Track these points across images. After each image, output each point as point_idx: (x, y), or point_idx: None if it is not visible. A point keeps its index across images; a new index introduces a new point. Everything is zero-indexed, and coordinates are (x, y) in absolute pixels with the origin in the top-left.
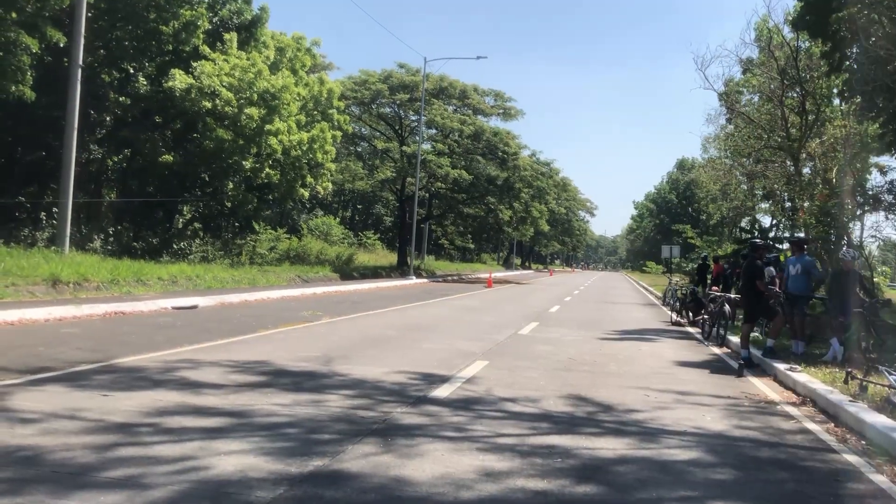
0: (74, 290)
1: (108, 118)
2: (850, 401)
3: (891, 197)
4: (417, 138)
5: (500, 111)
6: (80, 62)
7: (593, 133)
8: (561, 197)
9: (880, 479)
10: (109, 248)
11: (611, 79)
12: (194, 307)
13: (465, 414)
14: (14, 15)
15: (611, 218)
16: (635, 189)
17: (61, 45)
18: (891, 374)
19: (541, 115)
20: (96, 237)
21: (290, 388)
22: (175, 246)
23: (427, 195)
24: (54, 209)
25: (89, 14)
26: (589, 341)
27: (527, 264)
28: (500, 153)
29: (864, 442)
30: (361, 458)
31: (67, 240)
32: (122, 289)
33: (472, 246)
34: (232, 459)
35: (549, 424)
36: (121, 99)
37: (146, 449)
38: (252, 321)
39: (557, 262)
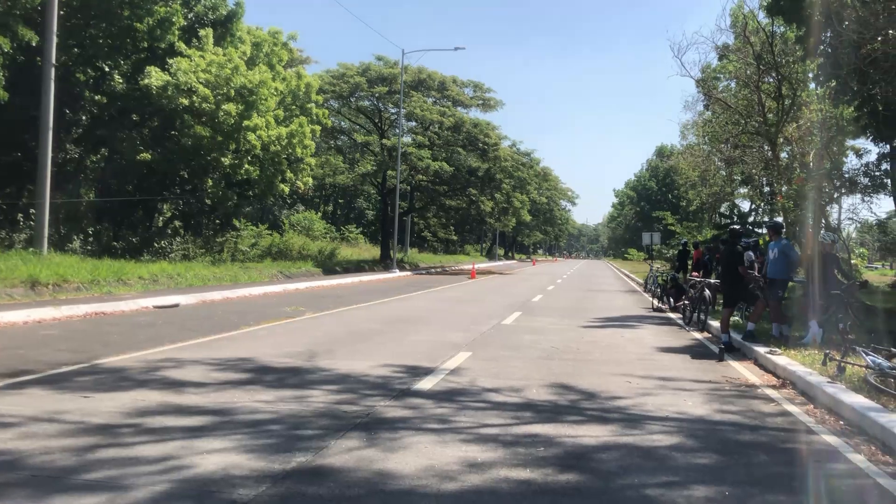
0: (54, 292)
1: (84, 117)
2: (829, 382)
3: (867, 179)
4: (397, 131)
5: (480, 102)
6: (54, 61)
7: (573, 123)
8: (542, 187)
9: (858, 459)
10: (89, 248)
11: (590, 68)
12: (176, 306)
13: (449, 405)
14: None
15: (592, 206)
16: (616, 177)
17: (34, 45)
18: (868, 354)
19: (520, 105)
20: (75, 237)
21: (273, 384)
22: (155, 244)
23: (409, 188)
24: (31, 210)
25: (62, 12)
26: (572, 329)
27: (510, 255)
28: (481, 144)
29: (842, 422)
30: (345, 453)
31: (46, 241)
32: (102, 289)
33: (454, 238)
34: (214, 458)
35: (532, 413)
36: (97, 97)
37: (128, 450)
38: (234, 318)
39: (540, 251)
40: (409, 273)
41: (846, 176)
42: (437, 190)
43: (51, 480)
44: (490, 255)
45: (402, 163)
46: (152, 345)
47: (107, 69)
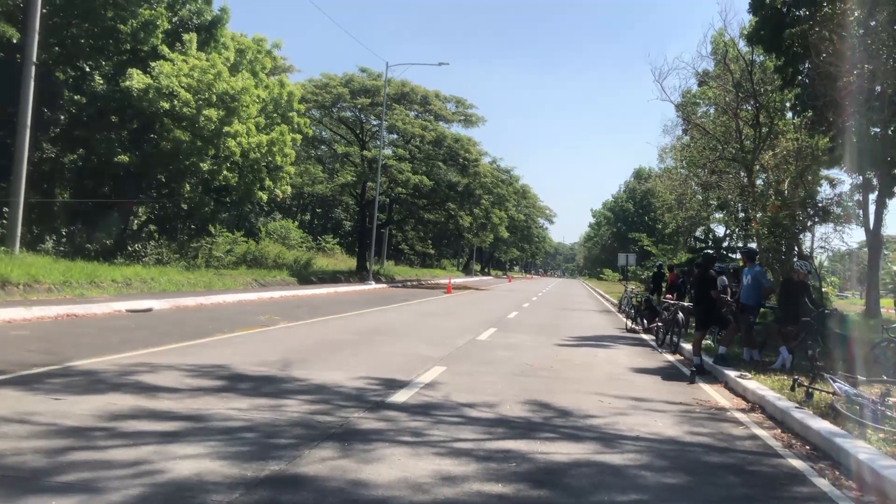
0: (25, 292)
1: (62, 117)
2: (797, 407)
3: (839, 209)
4: (378, 143)
5: (462, 118)
6: (35, 59)
7: (553, 141)
8: (521, 204)
9: (822, 483)
10: (62, 249)
11: (571, 89)
12: (149, 310)
13: (424, 419)
14: None
15: (569, 225)
16: (593, 197)
17: (14, 42)
18: (835, 381)
19: (502, 122)
20: (48, 238)
21: (247, 392)
22: (130, 248)
23: (388, 200)
24: (5, 209)
25: (44, 10)
26: (546, 347)
27: (486, 270)
28: (461, 159)
29: (808, 447)
30: (319, 463)
31: (18, 240)
32: (74, 291)
33: (432, 251)
34: (188, 463)
35: (505, 429)
36: (76, 97)
37: (100, 453)
38: (209, 325)
39: (516, 268)
40: (384, 285)
41: (819, 205)
42: (416, 203)
43: (23, 481)
44: (466, 271)
45: (382, 175)
46: (125, 349)
47: (88, 69)
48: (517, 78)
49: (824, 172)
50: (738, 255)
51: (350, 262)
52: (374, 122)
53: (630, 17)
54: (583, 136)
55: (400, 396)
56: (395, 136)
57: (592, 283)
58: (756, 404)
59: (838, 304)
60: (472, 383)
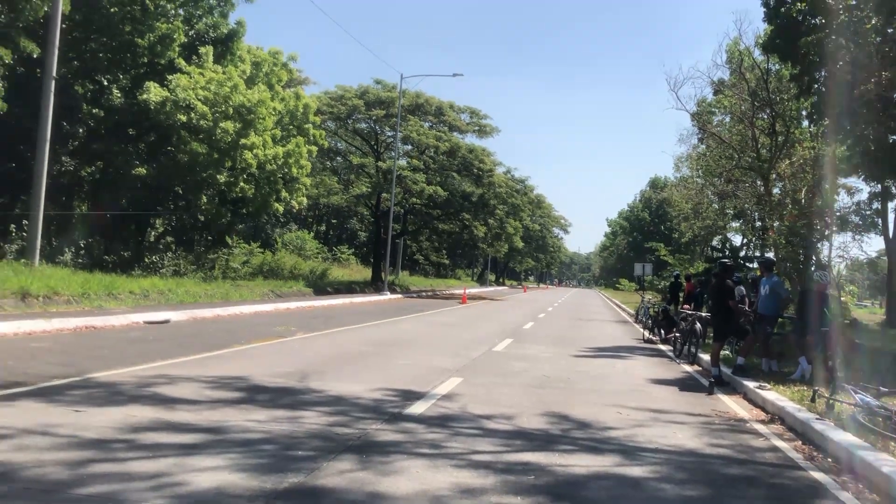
0: (44, 304)
1: (81, 130)
2: (818, 419)
3: (857, 218)
4: (393, 154)
5: (476, 128)
6: (54, 73)
7: (568, 151)
8: (535, 214)
9: (846, 497)
10: (80, 261)
11: (587, 98)
12: (166, 322)
13: (441, 431)
14: None
15: (585, 235)
16: (609, 207)
17: (35, 56)
18: (856, 392)
19: (516, 132)
20: (67, 250)
21: (265, 404)
22: (147, 259)
23: (402, 211)
24: (24, 221)
25: (64, 25)
26: (563, 358)
27: (501, 280)
28: (476, 170)
29: (830, 459)
30: (337, 475)
31: (38, 252)
32: (92, 303)
33: (446, 262)
34: (207, 476)
35: (524, 441)
36: (94, 111)
37: (121, 465)
38: (226, 336)
39: (531, 278)
40: (399, 296)
41: (837, 214)
42: (430, 213)
43: (45, 494)
44: (481, 281)
45: (397, 186)
46: (144, 360)
47: (106, 83)
48: (531, 88)
49: (842, 181)
50: (756, 265)
51: (365, 273)
52: (389, 134)
53: (644, 27)
54: (598, 145)
55: (417, 408)
56: (410, 147)
57: (608, 293)
58: (776, 415)
59: (858, 313)
60: (488, 395)
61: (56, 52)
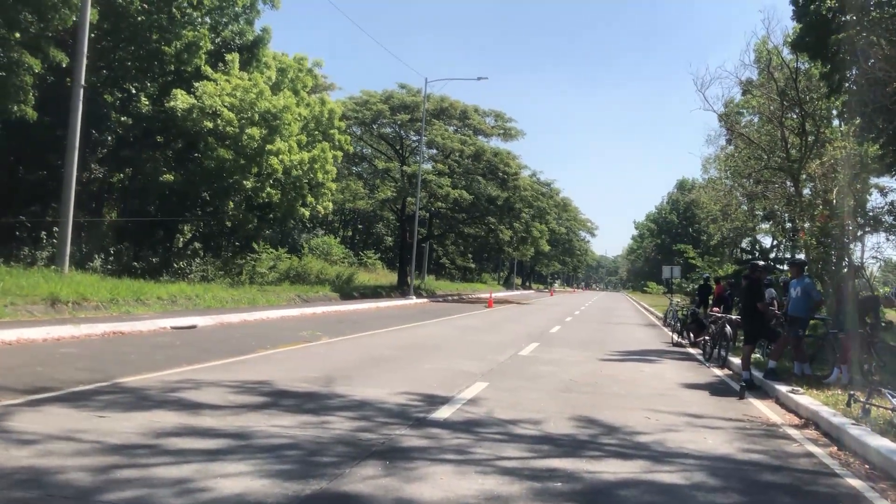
0: (73, 310)
1: (109, 137)
2: (853, 424)
3: (891, 218)
4: (418, 158)
5: (501, 132)
6: (83, 82)
7: (594, 153)
8: (561, 217)
9: None
10: (109, 267)
11: (612, 100)
12: (193, 327)
13: (467, 436)
14: (17, 35)
15: (612, 238)
16: (636, 209)
17: (63, 65)
18: (893, 396)
19: (541, 135)
20: (96, 256)
21: (290, 409)
22: (175, 265)
23: (427, 215)
24: (55, 228)
25: (92, 35)
26: (590, 362)
27: (527, 284)
28: (501, 173)
29: (867, 466)
30: (362, 482)
31: (67, 259)
32: (121, 308)
33: (472, 265)
34: (231, 482)
35: (551, 447)
36: (122, 119)
37: (145, 471)
38: (252, 341)
39: (558, 282)
40: (425, 300)
41: (870, 214)
42: (455, 217)
43: (70, 500)
44: (507, 284)
45: (422, 190)
46: (170, 366)
47: (133, 91)
48: (556, 89)
49: (874, 181)
50: (786, 267)
51: (391, 277)
52: (414, 138)
53: (669, 27)
54: (624, 146)
55: (442, 413)
56: (435, 151)
57: (636, 296)
58: (809, 420)
59: (892, 315)
60: (515, 399)
61: (84, 60)
